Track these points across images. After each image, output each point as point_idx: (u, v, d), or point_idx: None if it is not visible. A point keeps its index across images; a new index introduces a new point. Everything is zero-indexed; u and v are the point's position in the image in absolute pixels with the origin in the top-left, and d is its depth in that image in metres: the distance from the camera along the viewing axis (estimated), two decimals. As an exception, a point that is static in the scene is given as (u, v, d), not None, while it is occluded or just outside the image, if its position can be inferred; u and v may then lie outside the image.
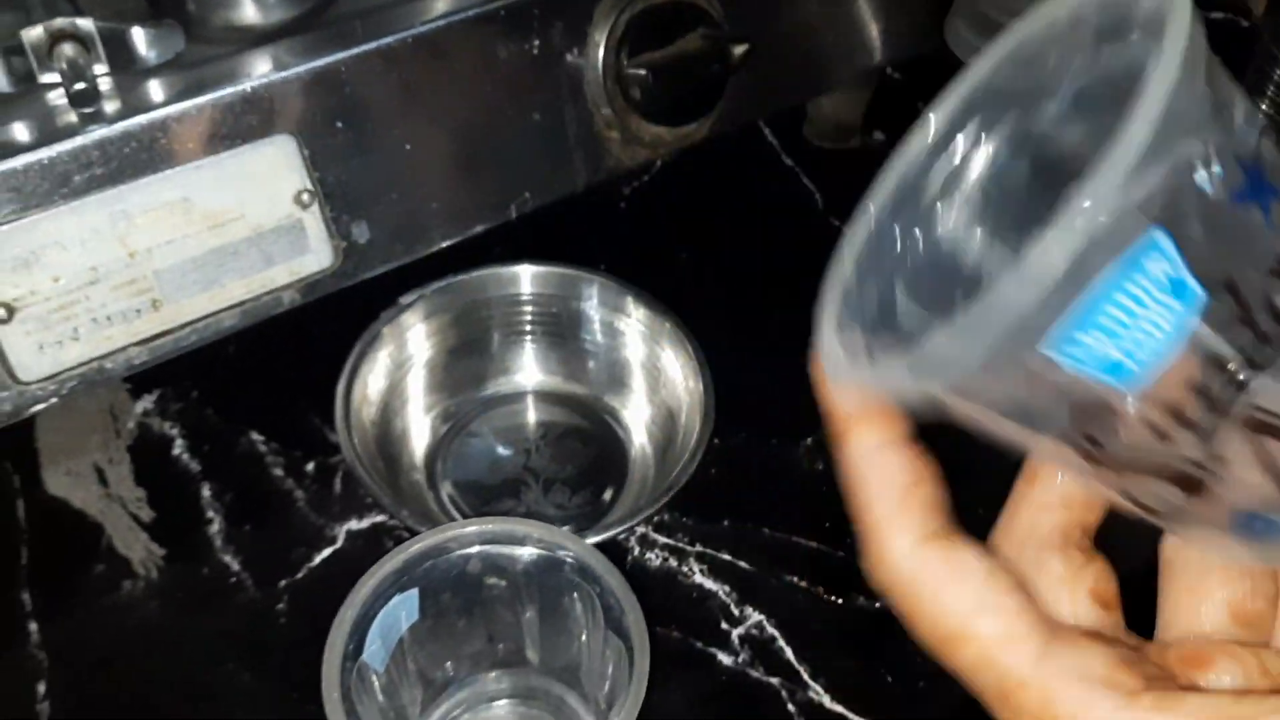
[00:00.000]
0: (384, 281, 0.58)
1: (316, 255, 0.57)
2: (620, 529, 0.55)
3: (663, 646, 0.57)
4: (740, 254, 0.76)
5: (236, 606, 0.58)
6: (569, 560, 0.47)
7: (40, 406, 0.51)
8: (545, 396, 0.65)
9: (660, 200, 0.79)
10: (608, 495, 0.62)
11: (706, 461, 0.57)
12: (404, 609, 0.47)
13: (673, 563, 0.60)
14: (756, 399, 0.63)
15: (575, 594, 0.48)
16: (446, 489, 0.62)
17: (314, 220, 0.57)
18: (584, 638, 0.50)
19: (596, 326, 0.63)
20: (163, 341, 0.55)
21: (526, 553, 0.48)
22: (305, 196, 0.56)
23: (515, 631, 0.52)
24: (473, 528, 0.47)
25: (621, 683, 0.46)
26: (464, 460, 0.63)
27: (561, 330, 0.64)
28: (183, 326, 0.55)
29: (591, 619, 0.48)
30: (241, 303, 0.57)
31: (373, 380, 0.60)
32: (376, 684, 0.46)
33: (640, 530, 0.60)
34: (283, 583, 0.59)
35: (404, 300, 0.61)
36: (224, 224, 0.54)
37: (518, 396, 0.65)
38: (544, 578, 0.48)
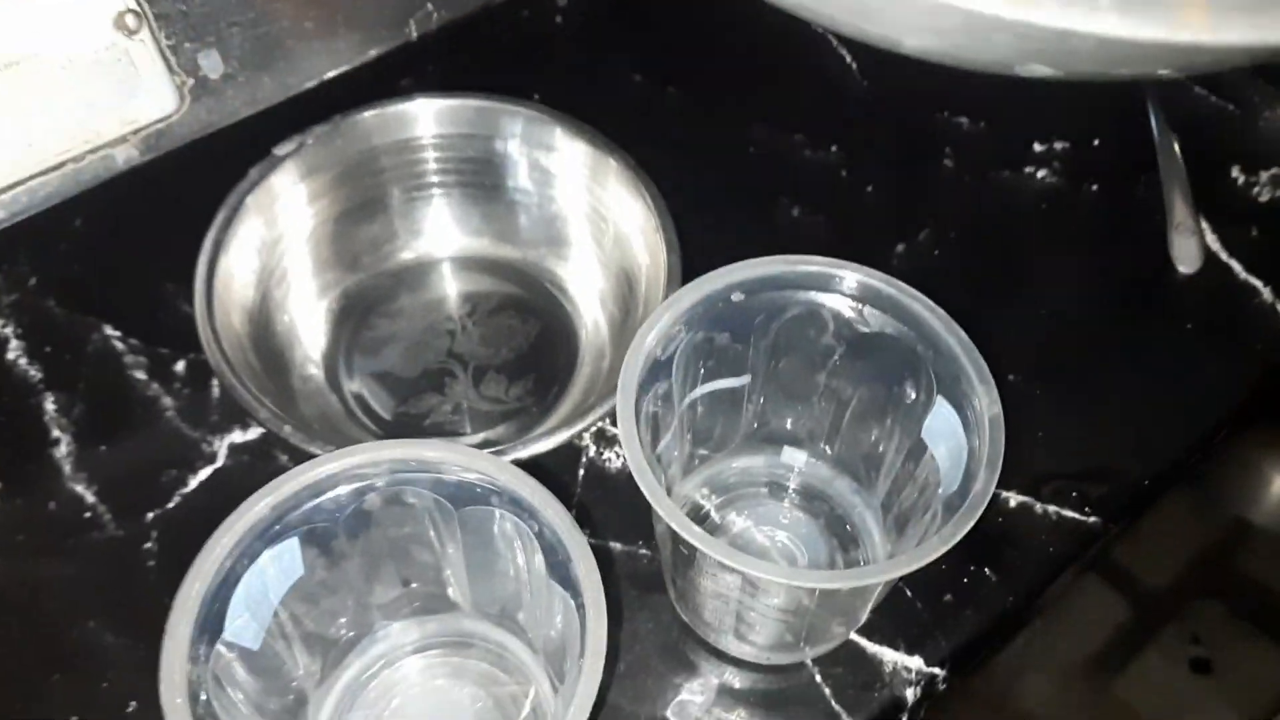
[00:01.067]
0: (254, 130, 0.44)
1: (154, 98, 0.44)
2: (574, 429, 0.43)
3: (629, 567, 0.46)
4: (707, 77, 0.62)
5: (94, 548, 0.46)
6: (494, 491, 0.36)
7: None
8: (468, 264, 0.53)
9: (605, 8, 0.64)
10: (555, 384, 0.50)
11: (673, 339, 0.45)
12: (279, 566, 0.36)
13: (637, 463, 0.49)
14: (730, 256, 0.51)
15: (507, 531, 0.37)
16: (352, 387, 0.50)
17: (145, 51, 0.43)
18: (522, 580, 0.39)
19: (524, 171, 0.50)
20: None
21: (439, 482, 0.36)
22: (130, 19, 0.42)
23: (435, 573, 0.40)
24: (361, 457, 0.35)
25: (573, 637, 0.35)
26: (372, 350, 0.51)
27: (481, 180, 0.51)
28: (-19, 199, 0.42)
29: (529, 564, 0.37)
30: (61, 164, 0.43)
31: (243, 258, 0.47)
32: (241, 670, 0.35)
33: (599, 425, 0.48)
34: (150, 515, 0.47)
35: (277, 152, 0.48)
36: (18, 61, 0.41)
37: (432, 266, 0.52)
38: (466, 513, 0.37)
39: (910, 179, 0.59)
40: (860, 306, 0.40)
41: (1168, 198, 0.55)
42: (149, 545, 0.46)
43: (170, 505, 0.47)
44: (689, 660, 0.44)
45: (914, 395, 0.40)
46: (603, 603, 0.33)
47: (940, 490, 0.37)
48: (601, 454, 0.49)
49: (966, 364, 0.37)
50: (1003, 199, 0.57)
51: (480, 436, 0.49)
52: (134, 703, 0.42)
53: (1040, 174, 0.58)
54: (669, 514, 0.34)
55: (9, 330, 0.51)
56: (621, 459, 0.49)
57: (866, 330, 0.40)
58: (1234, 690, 0.60)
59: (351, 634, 0.41)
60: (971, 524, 0.34)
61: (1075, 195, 0.58)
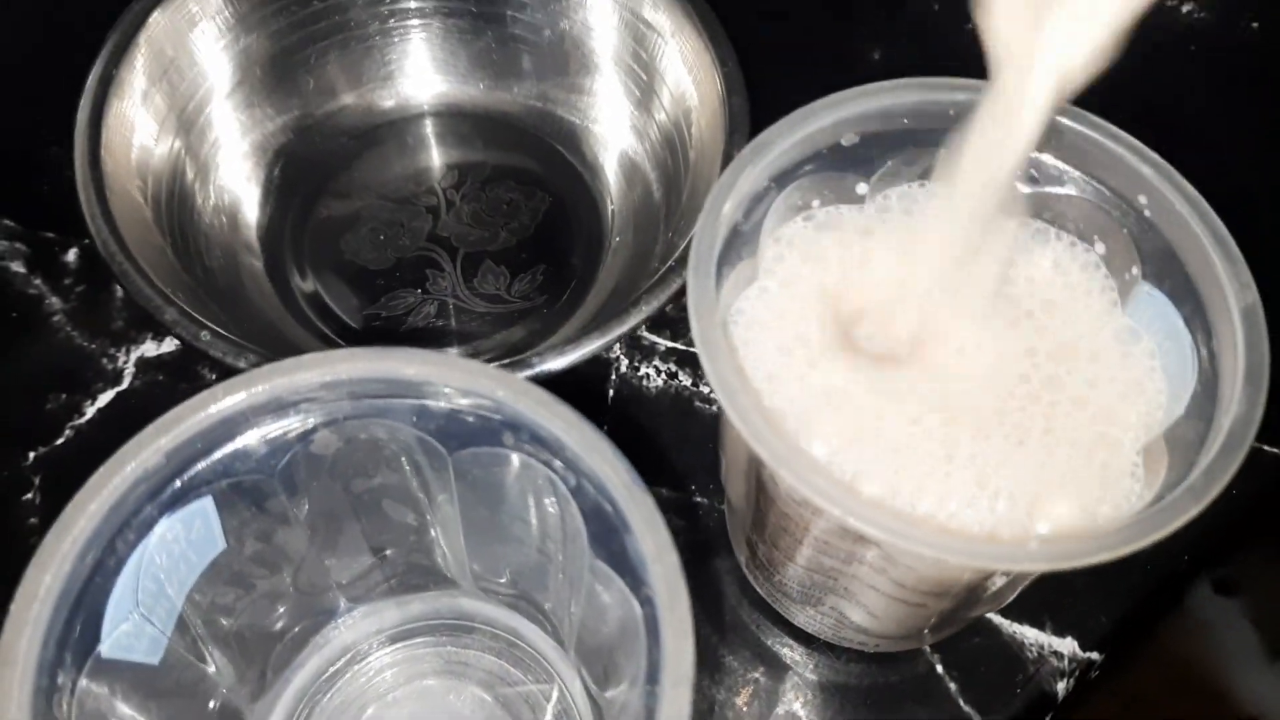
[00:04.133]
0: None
1: None
2: (608, 336, 0.31)
3: (678, 520, 0.34)
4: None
5: (-46, 501, 0.34)
6: (507, 426, 0.23)
7: None
8: (454, 119, 0.40)
9: None
10: (572, 275, 0.38)
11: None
12: (185, 541, 0.24)
13: (685, 380, 0.37)
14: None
15: (525, 482, 0.25)
16: (303, 284, 0.37)
17: None
18: (547, 552, 0.27)
19: (534, -10, 0.37)
20: None
21: (424, 411, 0.24)
22: None
23: (418, 539, 0.28)
24: (307, 374, 0.23)
25: (633, 642, 0.23)
26: (329, 234, 0.39)
27: (474, 7, 0.38)
28: None
29: (561, 530, 0.25)
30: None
31: (146, 106, 0.34)
32: (133, 697, 0.23)
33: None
34: (33, 455, 0.35)
35: (189, -46, 0.34)
36: None
37: (407, 123, 0.40)
38: (464, 457, 0.25)
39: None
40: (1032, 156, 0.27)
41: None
42: (29, 496, 0.34)
43: (59, 441, 0.35)
44: (764, 646, 0.33)
45: (1101, 276, 0.28)
46: (684, 603, 0.21)
47: (1161, 417, 0.26)
48: (637, 368, 0.37)
49: (1198, 230, 0.25)
50: (1138, 39, 0.45)
51: (474, 347, 0.37)
52: (5, 715, 0.31)
53: (1185, 8, 0.46)
54: (779, 458, 0.22)
55: None
56: (664, 375, 0.37)
57: (1034, 188, 0.28)
58: None
59: (302, 624, 0.29)
60: (1239, 459, 0.22)
61: (1231, 35, 0.45)
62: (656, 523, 0.22)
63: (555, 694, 0.31)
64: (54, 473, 0.34)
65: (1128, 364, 0.26)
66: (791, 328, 0.27)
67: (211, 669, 0.26)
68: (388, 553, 0.29)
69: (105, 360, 0.36)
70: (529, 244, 0.39)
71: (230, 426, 0.23)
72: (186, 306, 0.31)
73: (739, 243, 0.27)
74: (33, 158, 0.39)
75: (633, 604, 0.22)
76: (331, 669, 0.31)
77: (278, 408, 0.24)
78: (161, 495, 0.23)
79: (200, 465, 0.23)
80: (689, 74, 0.35)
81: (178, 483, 0.23)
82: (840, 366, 0.26)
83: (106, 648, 0.22)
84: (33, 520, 0.34)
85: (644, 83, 0.37)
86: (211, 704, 0.27)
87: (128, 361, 0.36)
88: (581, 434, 0.23)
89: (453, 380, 0.23)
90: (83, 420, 0.35)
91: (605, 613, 0.25)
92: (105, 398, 0.36)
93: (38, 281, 0.37)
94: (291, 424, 0.24)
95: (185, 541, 0.24)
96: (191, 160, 0.36)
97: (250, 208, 0.38)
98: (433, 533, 0.28)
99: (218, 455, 0.23)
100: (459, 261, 0.38)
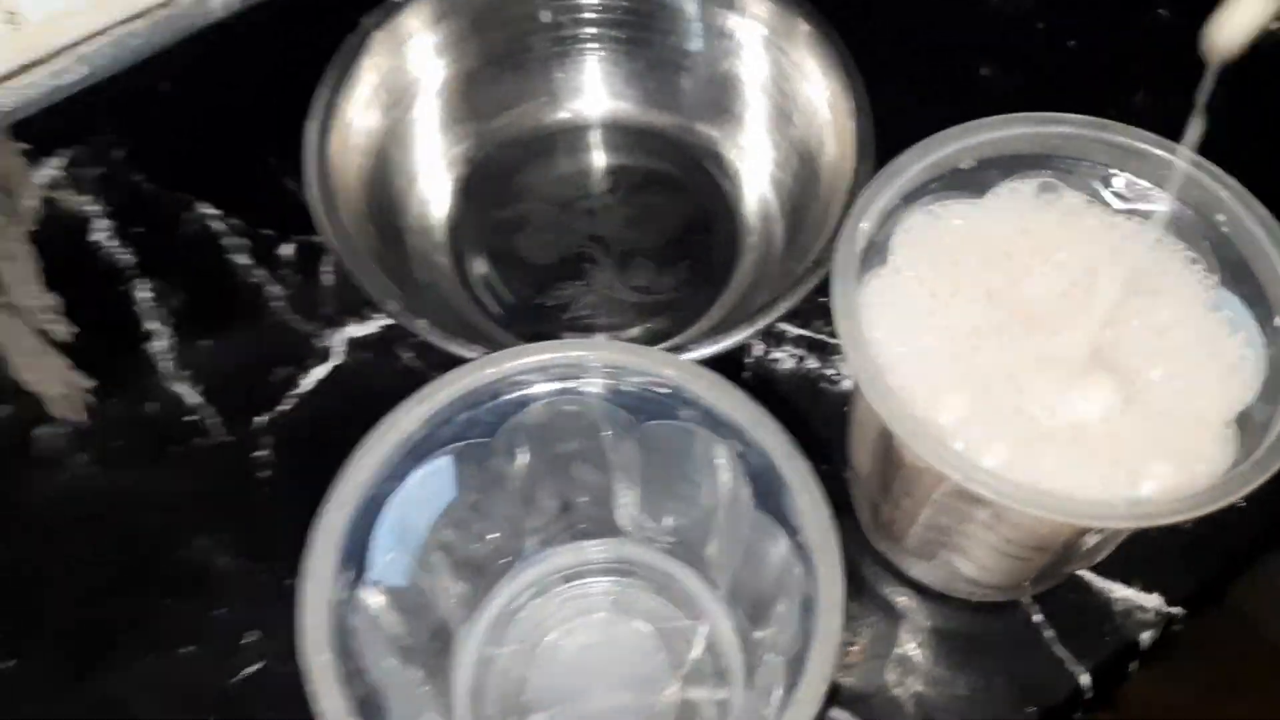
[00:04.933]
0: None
1: (254, -72, 0.37)
2: (756, 325, 0.36)
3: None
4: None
5: (199, 456, 0.41)
6: (685, 403, 0.29)
7: None
8: (617, 132, 0.46)
9: None
10: (713, 273, 0.43)
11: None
12: (429, 489, 0.30)
13: (812, 363, 0.42)
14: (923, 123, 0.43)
15: (700, 451, 0.30)
16: (479, 269, 0.43)
17: None
18: (711, 509, 0.32)
19: (695, 28, 0.42)
20: (37, 77, 0.35)
21: (617, 391, 0.30)
22: None
23: (601, 494, 0.34)
24: (526, 360, 0.29)
25: (788, 582, 0.29)
26: (503, 229, 0.44)
27: (642, 35, 0.43)
28: (60, 52, 0.36)
29: (729, 491, 0.31)
30: (147, 9, 0.37)
31: (360, 118, 0.40)
32: (389, 613, 0.30)
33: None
34: (261, 419, 0.41)
35: (396, -6, 0.41)
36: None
37: (577, 133, 0.45)
38: (650, 428, 0.31)
39: (1119, 30, 0.50)
40: (1124, 177, 0.32)
41: None
42: (261, 453, 0.40)
43: (283, 408, 0.41)
44: (881, 596, 0.38)
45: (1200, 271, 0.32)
46: (835, 548, 0.26)
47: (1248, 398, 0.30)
48: (769, 354, 0.42)
49: (1269, 245, 0.30)
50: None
51: (626, 333, 0.42)
52: (255, 632, 0.37)
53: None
54: (910, 433, 0.27)
55: (96, 208, 0.45)
56: (794, 359, 0.42)
57: (1131, 205, 0.32)
58: None
59: (500, 562, 0.35)
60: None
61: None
62: (810, 483, 0.27)
63: (704, 630, 0.37)
64: (280, 434, 0.41)
65: (1223, 349, 0.31)
66: (916, 306, 0.31)
67: (436, 596, 0.32)
68: (574, 505, 0.35)
69: (317, 340, 0.43)
70: (674, 244, 0.44)
71: (467, 400, 0.29)
72: (400, 296, 0.37)
73: (872, 252, 0.32)
74: (254, 167, 0.45)
75: (785, 546, 0.28)
76: (519, 600, 0.37)
77: (504, 387, 0.30)
78: (415, 452, 0.29)
79: (443, 429, 0.29)
80: (824, 101, 0.40)
81: (427, 442, 0.29)
82: (963, 339, 0.31)
83: (374, 572, 0.28)
84: (263, 473, 0.40)
85: (783, 108, 0.42)
86: (434, 620, 0.33)
87: (337, 341, 0.43)
88: (750, 412, 0.28)
89: (643, 366, 0.29)
90: (301, 390, 0.42)
91: (763, 559, 0.30)
92: (319, 372, 0.42)
93: (260, 271, 0.44)
94: (512, 398, 0.30)
95: (428, 490, 0.30)
96: (390, 167, 0.42)
97: (435, 205, 0.44)
98: (615, 490, 0.34)
99: (456, 422, 0.29)
100: (615, 256, 0.44)
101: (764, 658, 0.33)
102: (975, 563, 0.34)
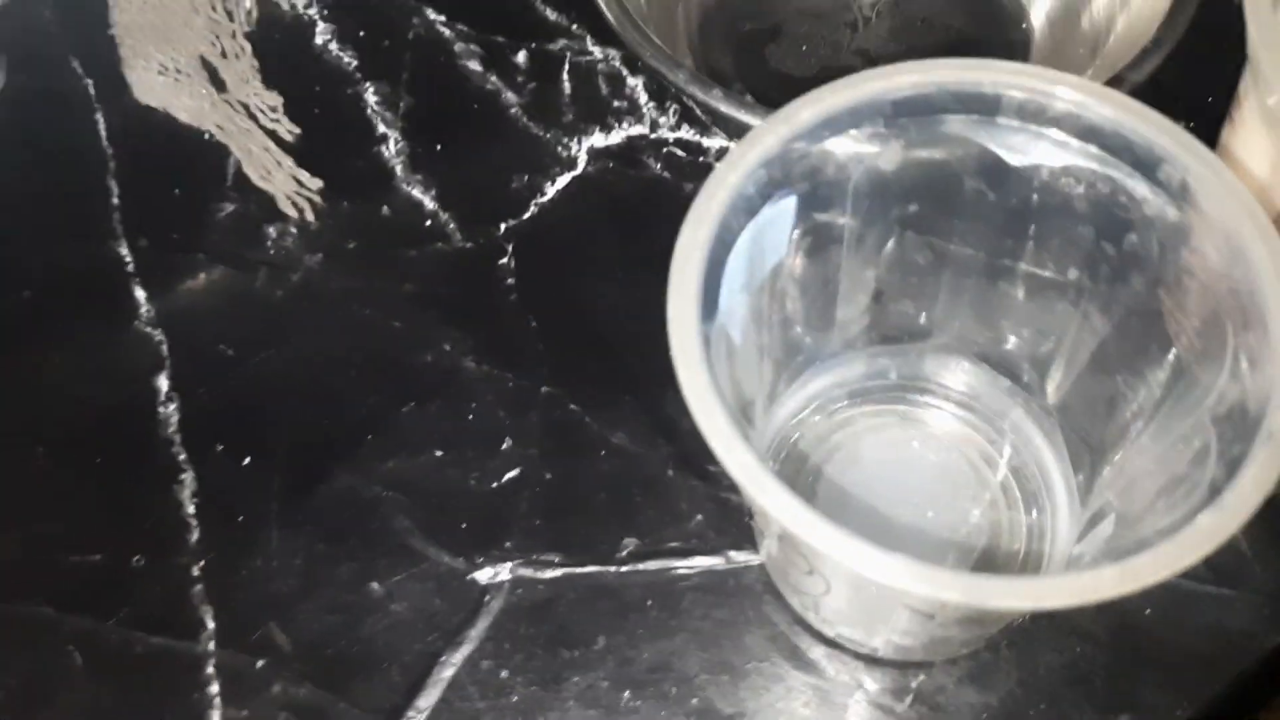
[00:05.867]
0: None
1: None
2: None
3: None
4: None
5: (440, 261, 0.38)
6: (1094, 133, 0.25)
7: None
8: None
9: None
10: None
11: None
12: (773, 232, 0.27)
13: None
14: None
15: (1091, 198, 0.27)
16: (734, 88, 0.40)
17: None
18: (1076, 298, 0.29)
19: None
20: None
21: (994, 126, 0.26)
22: None
23: (921, 282, 0.31)
24: (907, 77, 0.25)
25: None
26: (752, 44, 0.41)
27: None
28: None
29: (1115, 261, 0.27)
30: None
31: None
32: (727, 361, 0.26)
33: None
34: (504, 226, 0.38)
35: None
36: None
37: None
38: (1026, 181, 0.27)
39: None
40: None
41: None
42: (505, 260, 0.37)
43: (526, 216, 0.38)
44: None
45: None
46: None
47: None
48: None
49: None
50: None
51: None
52: (508, 440, 0.34)
53: None
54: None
55: (315, 12, 0.42)
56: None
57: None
58: None
59: (802, 356, 0.31)
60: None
61: None
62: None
63: (1008, 451, 0.33)
64: (523, 242, 0.38)
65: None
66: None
67: (752, 367, 0.29)
68: (883, 295, 0.31)
69: (560, 149, 0.39)
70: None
71: (822, 129, 0.26)
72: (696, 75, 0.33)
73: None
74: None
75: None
76: (808, 409, 0.33)
77: (857, 119, 0.26)
78: (768, 184, 0.25)
79: (797, 164, 0.26)
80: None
81: (780, 174, 0.25)
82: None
83: (722, 315, 0.25)
84: (508, 280, 0.37)
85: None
86: (744, 393, 0.29)
87: (580, 150, 0.39)
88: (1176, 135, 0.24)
89: (1028, 84, 0.25)
90: (544, 199, 0.39)
91: (1140, 355, 0.26)
92: (562, 180, 0.39)
93: (493, 79, 0.41)
94: (867, 136, 0.26)
95: (772, 236, 0.26)
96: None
97: (687, 20, 0.41)
98: (941, 278, 0.30)
99: (811, 153, 0.26)
100: (877, 73, 0.40)
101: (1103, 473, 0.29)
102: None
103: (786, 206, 0.26)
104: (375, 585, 0.32)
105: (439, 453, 0.34)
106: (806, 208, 0.27)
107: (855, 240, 0.29)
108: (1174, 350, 0.26)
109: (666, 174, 0.39)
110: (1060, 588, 0.21)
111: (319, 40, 0.42)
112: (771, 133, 0.25)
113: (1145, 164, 0.25)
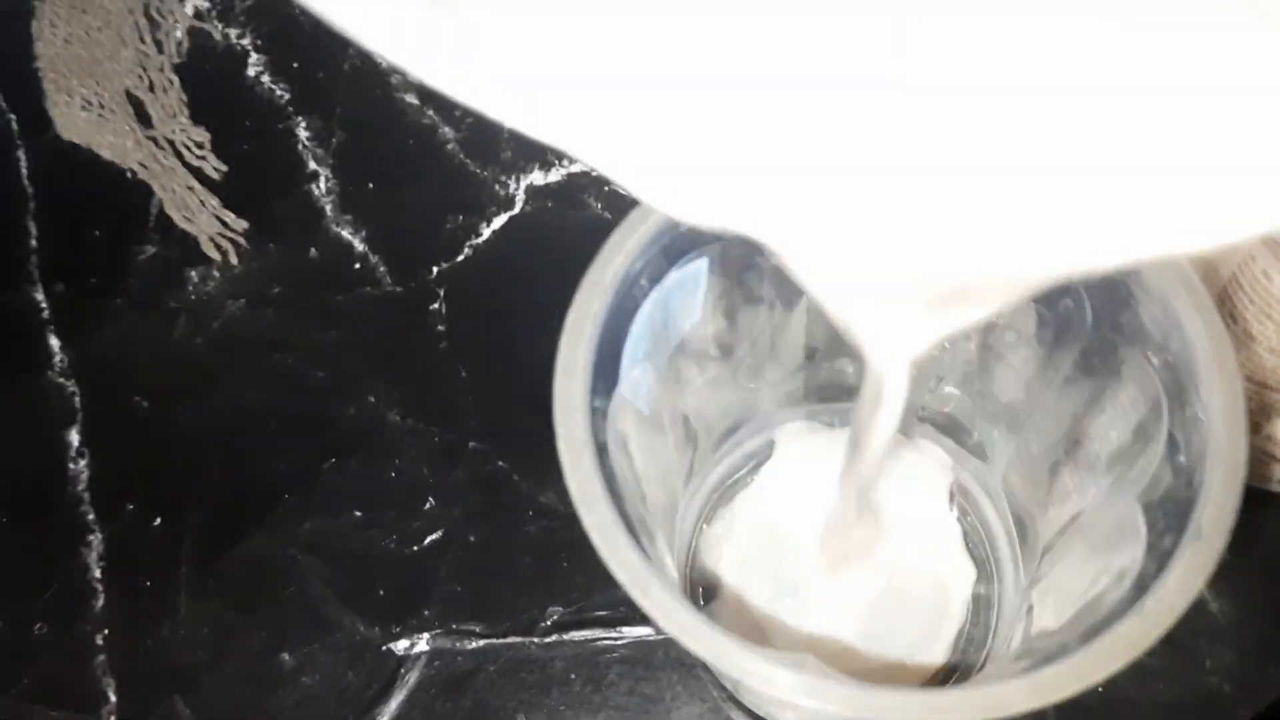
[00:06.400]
0: None
1: None
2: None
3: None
4: None
5: (368, 306, 0.36)
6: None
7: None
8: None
9: None
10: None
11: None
12: (681, 296, 0.25)
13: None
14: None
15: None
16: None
17: None
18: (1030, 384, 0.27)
19: None
20: None
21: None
22: None
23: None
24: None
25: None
26: None
27: None
28: None
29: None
30: None
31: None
32: (635, 433, 0.24)
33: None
34: (439, 267, 0.36)
35: None
36: None
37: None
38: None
39: None
40: None
41: None
42: (436, 306, 0.36)
43: (460, 258, 0.37)
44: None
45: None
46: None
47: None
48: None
49: None
50: None
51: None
52: (431, 499, 0.33)
53: None
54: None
55: (247, 42, 0.41)
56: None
57: None
58: None
59: (732, 421, 0.30)
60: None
61: None
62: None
63: (954, 513, 0.31)
64: (456, 286, 0.36)
65: None
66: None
67: (668, 435, 0.27)
68: (818, 352, 0.29)
69: (497, 186, 0.38)
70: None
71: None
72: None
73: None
74: None
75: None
76: (745, 469, 0.31)
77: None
78: (672, 249, 0.24)
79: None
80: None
81: (684, 236, 0.24)
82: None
83: (624, 388, 0.23)
84: (439, 327, 0.35)
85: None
86: (662, 462, 0.27)
87: (518, 189, 0.38)
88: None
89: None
90: (479, 240, 0.37)
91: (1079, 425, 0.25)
92: (499, 221, 0.37)
93: (430, 113, 0.39)
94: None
95: (680, 300, 0.25)
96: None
97: None
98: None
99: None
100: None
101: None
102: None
103: (696, 269, 0.24)
104: (286, 656, 0.31)
105: (358, 513, 0.33)
106: (720, 270, 0.25)
107: (779, 299, 0.27)
108: (1114, 428, 0.24)
109: (608, 214, 0.37)
110: (963, 702, 0.19)
111: (251, 72, 0.40)
112: (674, 194, 0.23)
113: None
